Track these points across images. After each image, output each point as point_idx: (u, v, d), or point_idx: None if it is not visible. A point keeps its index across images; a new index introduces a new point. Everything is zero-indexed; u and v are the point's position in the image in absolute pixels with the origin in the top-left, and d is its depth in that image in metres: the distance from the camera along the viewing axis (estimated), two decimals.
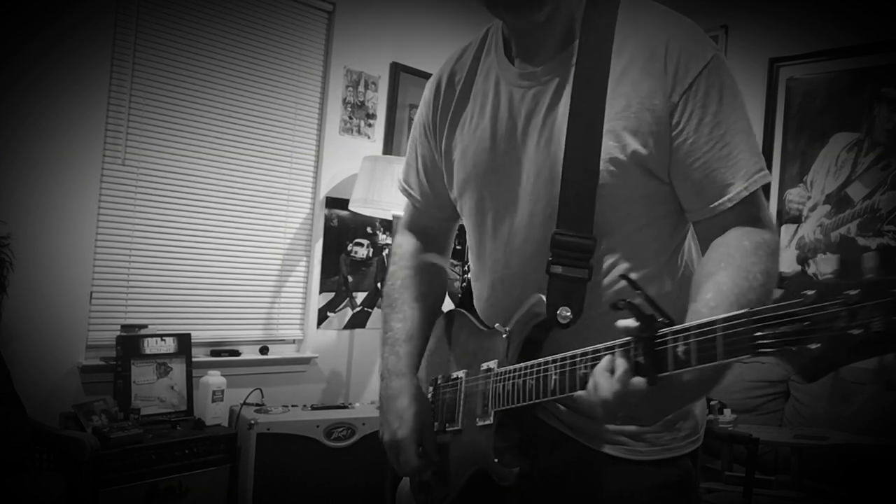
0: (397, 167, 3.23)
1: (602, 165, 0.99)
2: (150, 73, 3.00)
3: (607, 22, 1.02)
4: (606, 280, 1.04)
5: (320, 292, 3.53)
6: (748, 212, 0.99)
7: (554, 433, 1.07)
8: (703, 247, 1.02)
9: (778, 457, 3.14)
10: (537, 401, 0.97)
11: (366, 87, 3.64)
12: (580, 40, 1.03)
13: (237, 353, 3.26)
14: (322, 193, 3.53)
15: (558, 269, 1.01)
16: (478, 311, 1.20)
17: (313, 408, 3.15)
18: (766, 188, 4.29)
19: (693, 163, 0.99)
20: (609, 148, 0.99)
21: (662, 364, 0.80)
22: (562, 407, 1.07)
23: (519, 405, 1.00)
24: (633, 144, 0.99)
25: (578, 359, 0.91)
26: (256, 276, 3.36)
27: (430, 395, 1.23)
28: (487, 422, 1.06)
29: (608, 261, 1.04)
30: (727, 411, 2.92)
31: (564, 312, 0.99)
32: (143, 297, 3.02)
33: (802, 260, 3.60)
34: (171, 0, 3.04)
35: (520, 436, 1.05)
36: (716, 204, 0.99)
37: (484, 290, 1.16)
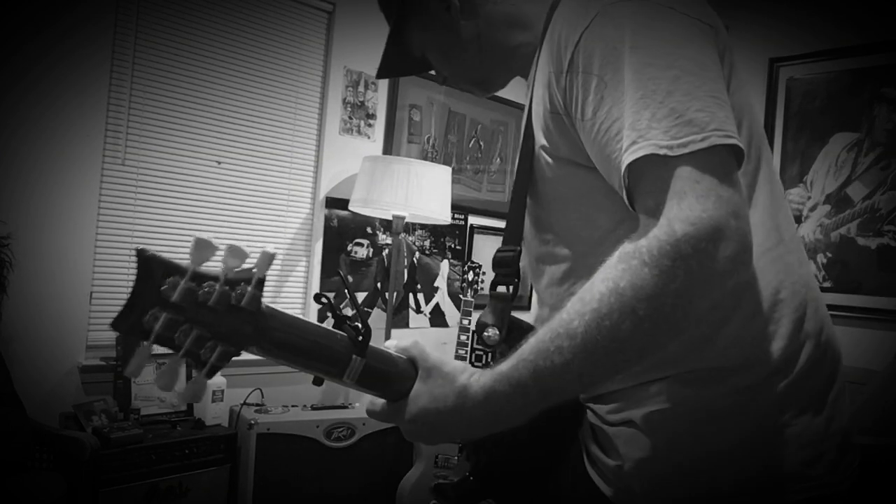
0: (397, 167, 3.24)
1: (535, 169, 0.94)
2: (150, 73, 3.00)
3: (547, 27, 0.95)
4: (548, 279, 0.99)
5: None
6: (645, 204, 0.76)
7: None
8: None
9: None
10: None
11: (366, 87, 3.64)
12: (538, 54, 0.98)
13: (237, 353, 3.25)
14: (322, 193, 3.53)
15: (494, 291, 0.99)
16: None
17: (313, 408, 3.16)
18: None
19: (591, 151, 0.84)
20: (536, 150, 0.94)
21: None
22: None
23: None
24: (541, 139, 0.92)
25: None
26: None
27: None
28: None
29: (560, 263, 0.97)
30: None
31: (487, 332, 0.96)
32: None
33: None
34: (171, 0, 3.04)
35: None
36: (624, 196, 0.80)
37: None
